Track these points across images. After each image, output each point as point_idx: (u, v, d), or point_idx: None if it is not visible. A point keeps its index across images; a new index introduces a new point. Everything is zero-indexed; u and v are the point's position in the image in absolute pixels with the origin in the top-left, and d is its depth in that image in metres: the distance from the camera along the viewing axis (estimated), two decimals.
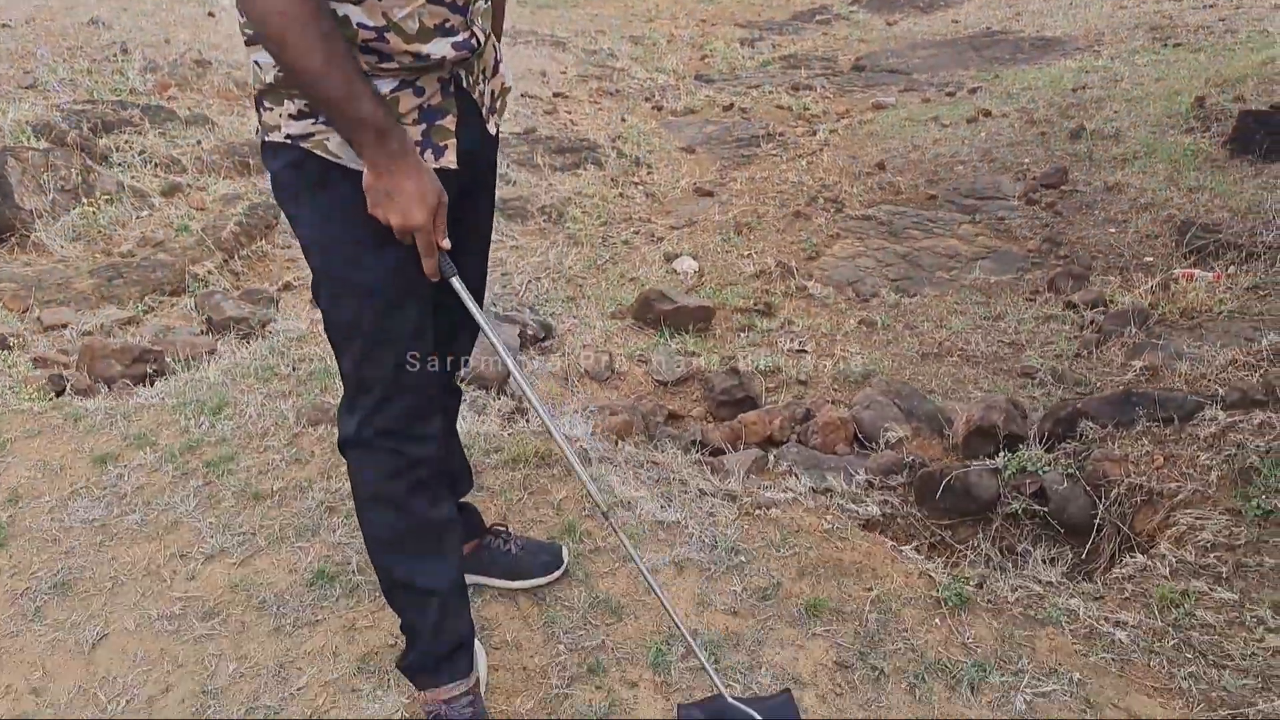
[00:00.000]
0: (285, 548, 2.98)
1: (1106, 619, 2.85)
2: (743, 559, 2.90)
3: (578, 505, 3.20)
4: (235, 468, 3.42)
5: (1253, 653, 2.70)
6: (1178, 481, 3.82)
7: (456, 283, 1.64)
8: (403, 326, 1.67)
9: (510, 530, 2.84)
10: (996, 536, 4.18)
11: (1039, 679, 2.47)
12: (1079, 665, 2.53)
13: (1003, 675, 2.48)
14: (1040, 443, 4.36)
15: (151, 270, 5.18)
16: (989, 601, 2.76)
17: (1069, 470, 4.11)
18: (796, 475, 4.08)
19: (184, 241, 5.62)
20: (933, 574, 2.85)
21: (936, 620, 2.66)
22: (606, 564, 2.90)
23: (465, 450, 2.87)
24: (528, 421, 3.95)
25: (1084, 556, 3.99)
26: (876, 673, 2.48)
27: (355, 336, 1.66)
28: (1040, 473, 4.14)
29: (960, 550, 4.11)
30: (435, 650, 2.03)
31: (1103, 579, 3.41)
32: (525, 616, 2.66)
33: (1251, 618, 2.86)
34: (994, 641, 2.60)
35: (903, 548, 3.07)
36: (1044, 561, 3.93)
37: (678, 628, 2.21)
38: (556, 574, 2.79)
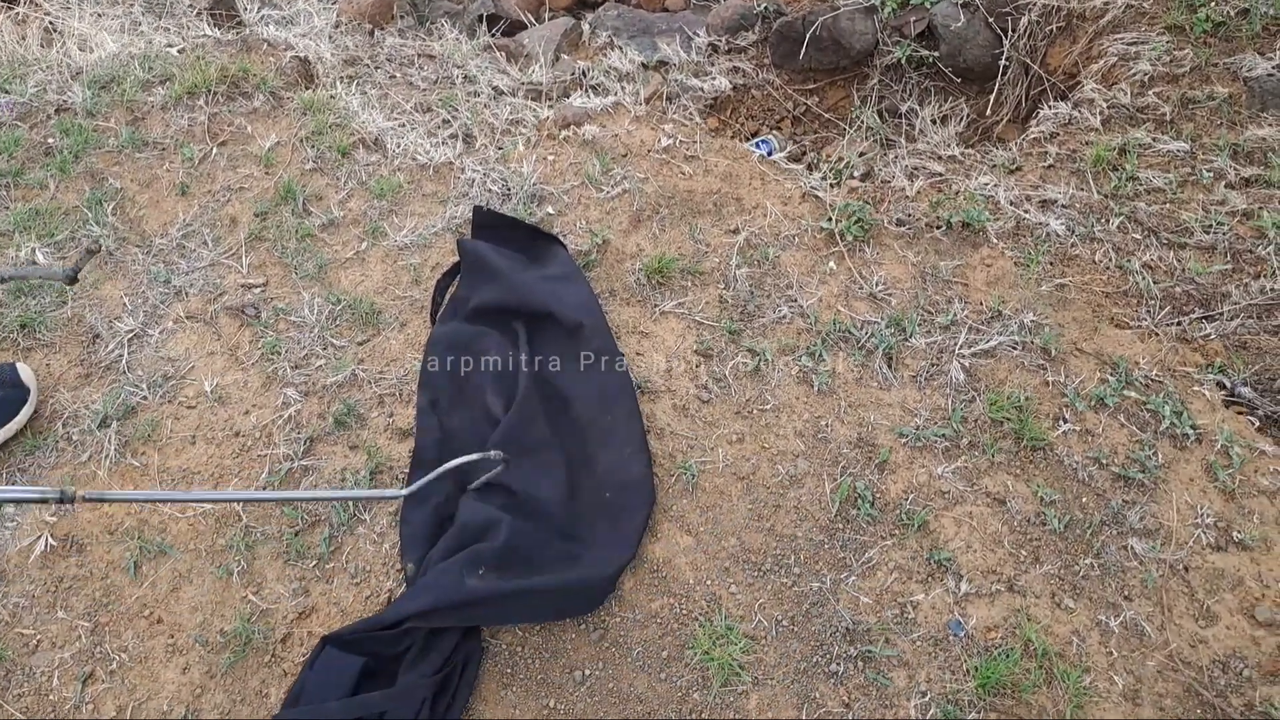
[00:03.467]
0: None
1: (1031, 199, 2.12)
2: (550, 209, 1.95)
3: (296, 152, 2.10)
4: None
5: (1215, 221, 2.05)
6: None
7: None
8: None
9: None
10: (875, 97, 3.33)
11: (979, 328, 1.76)
12: (1028, 299, 1.82)
13: (929, 334, 1.75)
14: None
15: None
16: (899, 222, 1.95)
17: None
18: (620, 48, 3.09)
19: None
20: (819, 193, 1.98)
21: (831, 264, 1.86)
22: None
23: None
24: (226, 28, 2.64)
25: (985, 110, 3.22)
26: (755, 359, 1.71)
27: None
28: (928, 4, 3.19)
29: (830, 120, 3.27)
30: None
31: (1019, 143, 2.65)
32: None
33: (1207, 171, 2.18)
34: (912, 282, 1.83)
35: (774, 155, 2.16)
36: (935, 121, 3.14)
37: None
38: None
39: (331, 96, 2.20)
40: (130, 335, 1.75)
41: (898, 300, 1.79)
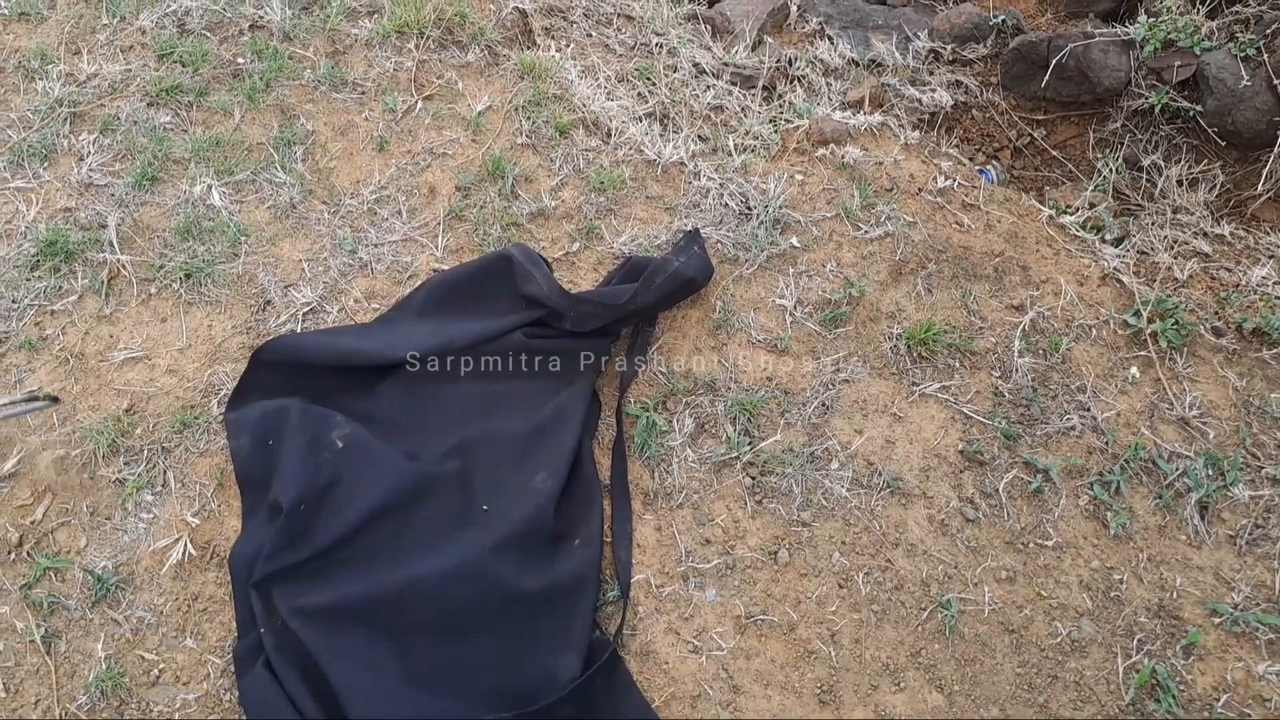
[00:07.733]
0: None
1: None
2: (794, 241, 1.65)
3: (509, 121, 1.83)
4: None
5: None
6: None
7: None
8: None
9: None
10: (1115, 142, 2.92)
11: None
12: None
13: (1255, 485, 1.41)
14: (1203, 2, 2.89)
15: None
16: (1216, 332, 1.59)
17: (1245, 50, 2.72)
18: (830, 38, 2.76)
19: None
20: (1122, 277, 1.64)
21: (1134, 370, 1.52)
22: None
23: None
24: None
25: (1244, 182, 2.80)
26: (1037, 478, 1.40)
27: None
28: (1198, 50, 2.76)
29: (1056, 159, 2.88)
30: None
31: None
32: None
33: None
34: (1233, 412, 1.49)
35: (1064, 217, 1.82)
36: (1181, 183, 2.73)
37: None
38: None
39: (556, 61, 1.92)
40: (306, 309, 1.51)
41: (1215, 433, 1.45)
